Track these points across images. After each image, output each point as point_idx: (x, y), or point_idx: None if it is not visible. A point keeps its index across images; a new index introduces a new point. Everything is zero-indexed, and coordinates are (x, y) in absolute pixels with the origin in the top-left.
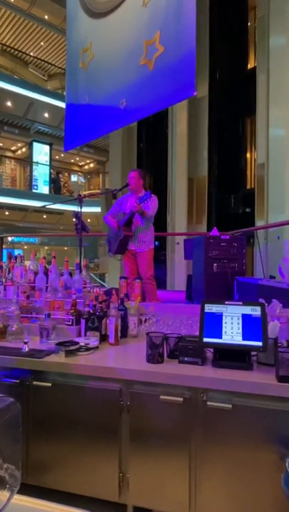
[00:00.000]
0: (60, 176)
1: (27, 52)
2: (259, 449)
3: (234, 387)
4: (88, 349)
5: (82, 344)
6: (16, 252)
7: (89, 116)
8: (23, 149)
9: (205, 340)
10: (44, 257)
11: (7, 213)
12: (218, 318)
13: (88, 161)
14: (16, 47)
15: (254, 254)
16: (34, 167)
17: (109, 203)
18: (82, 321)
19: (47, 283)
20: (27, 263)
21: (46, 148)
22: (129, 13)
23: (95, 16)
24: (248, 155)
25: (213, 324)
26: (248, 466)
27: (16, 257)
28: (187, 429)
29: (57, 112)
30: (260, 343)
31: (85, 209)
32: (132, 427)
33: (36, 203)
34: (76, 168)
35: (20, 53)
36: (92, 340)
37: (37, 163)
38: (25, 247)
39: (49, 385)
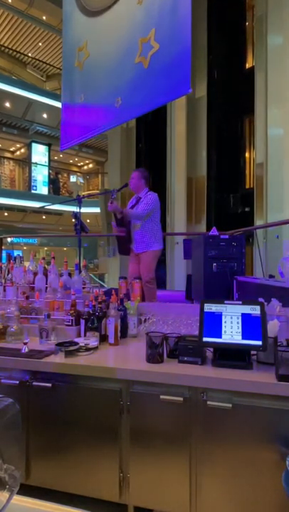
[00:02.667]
0: (59, 176)
1: (25, 53)
2: (259, 448)
3: (234, 387)
4: (88, 349)
5: (82, 344)
6: (16, 253)
7: (85, 115)
8: (22, 150)
9: (205, 339)
10: (43, 258)
11: (6, 214)
12: (217, 318)
13: (87, 162)
14: (14, 48)
15: (253, 254)
16: (33, 168)
17: (108, 204)
18: (82, 322)
19: (46, 283)
20: (26, 264)
21: (45, 148)
22: (124, 11)
23: (91, 14)
24: (247, 154)
25: (213, 324)
26: (248, 465)
27: (15, 258)
28: (187, 428)
29: (55, 113)
30: (259, 342)
31: (84, 209)
32: (132, 427)
33: (35, 204)
34: (75, 169)
35: (19, 54)
36: (92, 340)
37: (36, 163)
38: (25, 247)
39: (49, 385)
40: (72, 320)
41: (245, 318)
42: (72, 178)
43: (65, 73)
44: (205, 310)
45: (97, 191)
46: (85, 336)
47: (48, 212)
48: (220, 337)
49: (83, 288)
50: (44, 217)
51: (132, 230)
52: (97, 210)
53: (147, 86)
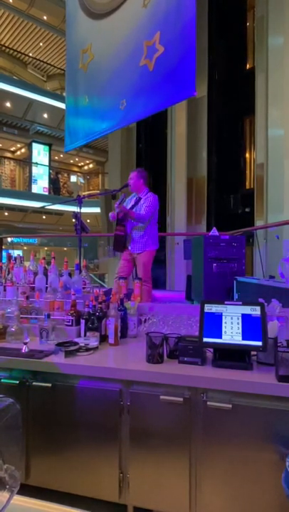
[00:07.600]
0: (60, 176)
1: (26, 52)
2: (259, 449)
3: (234, 387)
4: (88, 350)
5: (82, 345)
6: (16, 253)
7: (89, 117)
8: (23, 150)
9: (205, 340)
10: (44, 258)
11: (6, 214)
12: (217, 318)
13: (88, 162)
14: (14, 48)
15: (253, 254)
16: (33, 167)
17: (108, 204)
18: (82, 322)
19: (46, 283)
20: (26, 264)
21: (46, 148)
22: (129, 14)
23: (95, 16)
24: (247, 155)
25: (213, 324)
26: (248, 465)
27: (15, 258)
28: (187, 429)
29: (56, 113)
30: (259, 343)
31: (85, 209)
32: (132, 427)
33: (35, 204)
34: (75, 169)
35: (19, 54)
36: (92, 340)
37: (36, 163)
38: (25, 247)
39: (49, 385)
40: (72, 320)
41: (246, 318)
42: (73, 178)
43: (68, 75)
44: (205, 310)
45: (98, 191)
46: (85, 336)
47: (49, 213)
48: (220, 337)
49: (83, 288)
50: (44, 217)
51: (131, 230)
52: (98, 210)
53: (152, 89)
